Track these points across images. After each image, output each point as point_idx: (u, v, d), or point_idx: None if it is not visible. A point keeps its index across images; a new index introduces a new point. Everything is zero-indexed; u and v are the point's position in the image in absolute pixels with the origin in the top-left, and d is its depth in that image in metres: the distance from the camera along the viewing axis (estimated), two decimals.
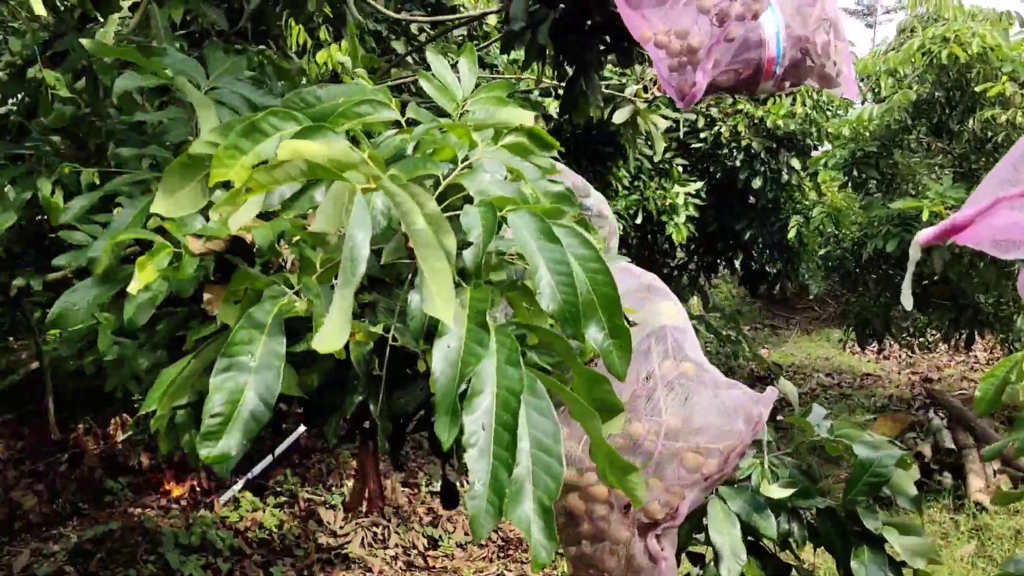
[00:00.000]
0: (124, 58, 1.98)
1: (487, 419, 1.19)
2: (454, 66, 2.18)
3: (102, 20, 2.43)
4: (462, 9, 4.90)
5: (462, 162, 1.45)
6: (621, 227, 7.61)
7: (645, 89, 4.86)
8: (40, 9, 2.12)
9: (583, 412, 1.29)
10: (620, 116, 4.52)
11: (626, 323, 1.31)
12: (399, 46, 5.97)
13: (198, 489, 6.39)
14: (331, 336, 0.97)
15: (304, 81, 3.68)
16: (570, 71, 3.11)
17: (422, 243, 1.08)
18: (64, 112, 2.77)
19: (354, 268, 1.01)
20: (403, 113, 1.76)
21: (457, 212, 1.28)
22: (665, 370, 1.56)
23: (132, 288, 1.63)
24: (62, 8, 2.58)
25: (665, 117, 5.06)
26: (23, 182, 2.76)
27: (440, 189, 1.39)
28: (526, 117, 1.63)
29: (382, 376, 1.71)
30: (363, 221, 1.05)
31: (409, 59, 5.58)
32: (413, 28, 6.16)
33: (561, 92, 3.68)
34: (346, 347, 1.77)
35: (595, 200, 5.01)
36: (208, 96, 2.23)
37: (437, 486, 6.27)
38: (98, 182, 2.29)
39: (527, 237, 1.26)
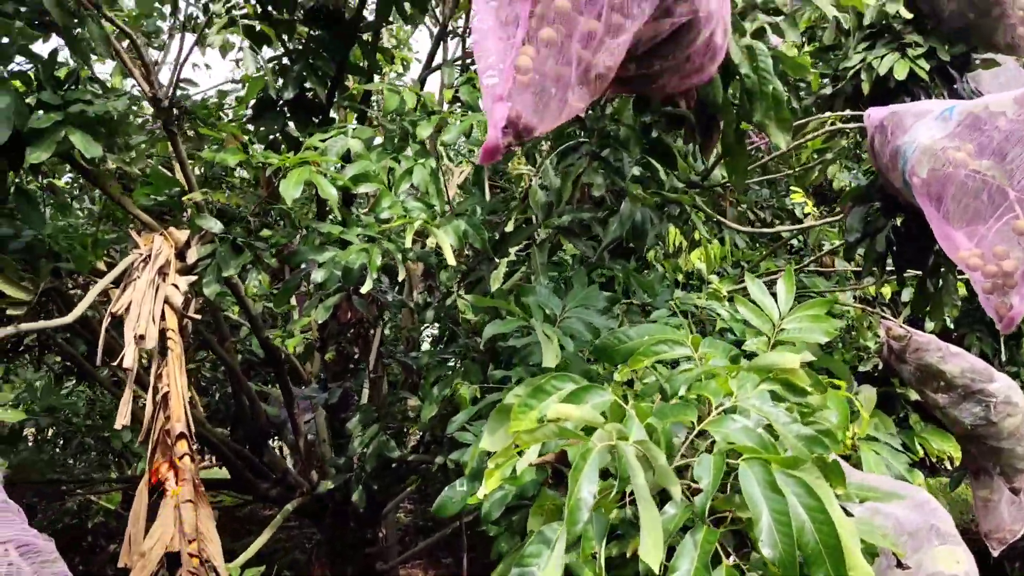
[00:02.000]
0: (491, 305, 2.61)
1: None
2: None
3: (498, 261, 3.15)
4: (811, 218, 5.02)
5: (717, 408, 1.69)
6: None
7: None
8: (452, 260, 2.88)
9: None
10: None
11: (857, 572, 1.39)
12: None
13: None
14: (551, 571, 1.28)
15: (666, 284, 4.13)
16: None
17: (640, 496, 1.35)
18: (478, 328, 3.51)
19: (575, 517, 1.32)
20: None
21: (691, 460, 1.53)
22: None
23: (480, 494, 2.11)
24: (469, 254, 3.40)
25: None
26: (444, 382, 3.54)
27: (692, 435, 1.64)
28: (792, 360, 1.81)
29: None
30: (591, 477, 1.37)
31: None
32: (798, 211, 6.38)
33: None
34: None
35: (1001, 385, 4.59)
36: (561, 325, 2.78)
37: None
38: (479, 396, 2.92)
39: (753, 487, 1.44)
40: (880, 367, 5.17)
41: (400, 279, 3.08)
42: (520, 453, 1.68)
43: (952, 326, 5.72)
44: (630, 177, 3.06)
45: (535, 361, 2.71)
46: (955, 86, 3.64)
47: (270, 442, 5.72)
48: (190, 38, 3.06)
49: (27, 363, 6.34)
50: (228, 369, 4.84)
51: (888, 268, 3.22)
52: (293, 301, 5.46)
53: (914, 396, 5.04)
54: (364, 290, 2.86)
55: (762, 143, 5.27)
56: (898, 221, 3.02)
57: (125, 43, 3.20)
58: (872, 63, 3.81)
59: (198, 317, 3.04)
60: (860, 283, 5.05)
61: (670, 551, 1.49)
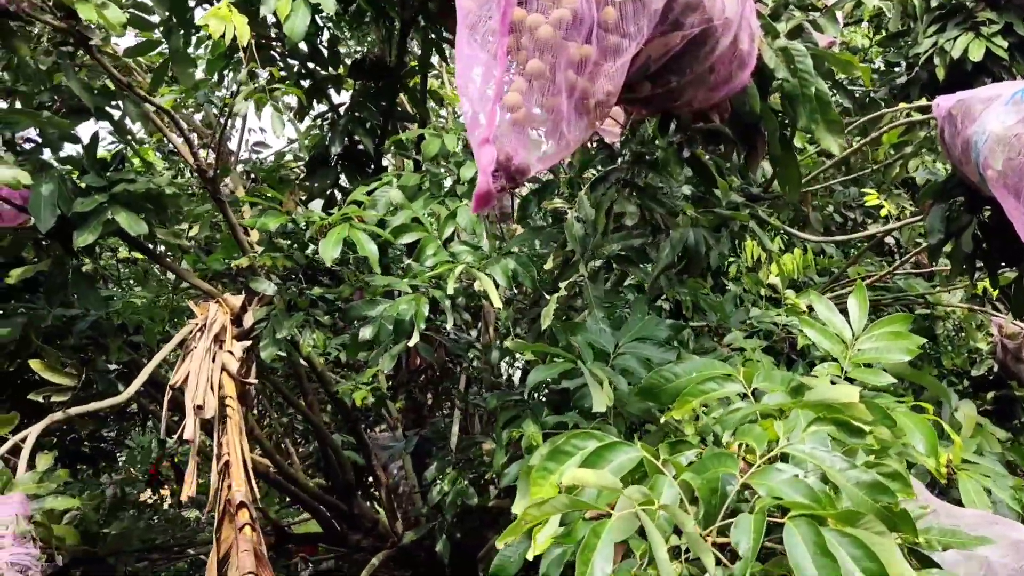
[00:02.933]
0: (537, 351, 2.49)
1: None
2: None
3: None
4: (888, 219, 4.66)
5: (762, 456, 1.51)
6: None
7: None
8: (497, 303, 2.79)
9: None
10: None
11: None
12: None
13: None
14: None
15: (740, 303, 3.89)
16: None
17: (663, 571, 1.20)
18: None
19: None
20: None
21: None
22: None
23: (530, 555, 1.98)
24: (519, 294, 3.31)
25: None
26: (514, 425, 3.43)
27: (736, 488, 1.47)
28: (849, 393, 1.60)
29: None
30: (606, 554, 1.23)
31: None
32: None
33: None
34: None
35: None
36: (615, 362, 2.63)
37: None
38: (539, 443, 2.79)
39: (799, 551, 1.26)
40: (995, 370, 4.73)
41: (451, 324, 3.00)
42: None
43: None
44: (682, 198, 2.90)
45: (590, 404, 2.57)
46: None
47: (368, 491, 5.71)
48: (240, 107, 3.10)
49: (137, 427, 6.62)
50: (311, 423, 4.88)
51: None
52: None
53: None
54: (411, 343, 2.80)
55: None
56: (985, 216, 2.73)
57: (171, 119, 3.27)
58: (944, 46, 3.52)
59: (255, 382, 3.03)
60: (962, 281, 4.64)
61: None
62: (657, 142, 2.50)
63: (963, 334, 4.83)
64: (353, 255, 3.58)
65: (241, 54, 3.25)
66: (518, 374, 5.81)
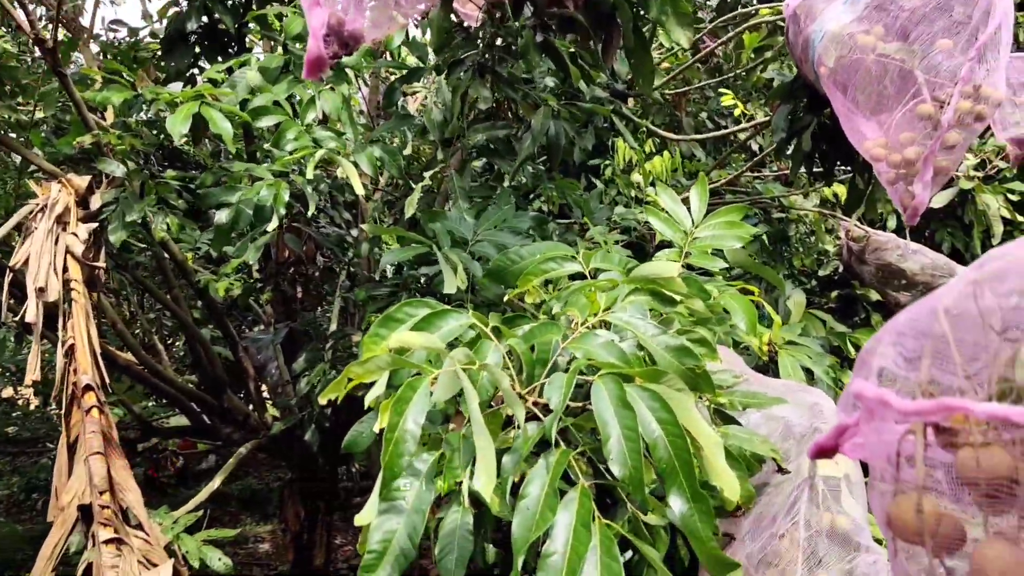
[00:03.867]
0: (391, 234, 2.51)
1: None
2: None
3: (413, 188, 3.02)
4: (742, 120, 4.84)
5: (583, 323, 1.60)
6: None
7: (983, 164, 4.23)
8: (359, 190, 2.77)
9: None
10: (940, 199, 4.01)
11: (707, 488, 1.32)
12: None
13: None
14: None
15: (608, 201, 4.02)
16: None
17: (474, 423, 1.28)
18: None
19: (399, 449, 1.25)
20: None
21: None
22: (815, 522, 1.48)
23: (375, 428, 2.04)
24: (389, 185, 3.29)
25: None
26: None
27: (557, 353, 1.56)
28: (669, 269, 1.71)
29: None
30: (421, 407, 1.29)
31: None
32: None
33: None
34: None
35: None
36: (473, 249, 2.68)
37: None
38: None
39: (604, 404, 1.36)
40: (840, 270, 5.09)
41: (312, 210, 2.95)
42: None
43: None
44: (543, 88, 2.91)
45: (442, 289, 2.62)
46: None
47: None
48: None
49: None
50: (177, 317, 4.77)
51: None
52: None
53: (875, 297, 4.97)
54: (270, 228, 2.75)
55: (712, 43, 5.06)
56: (826, 116, 2.88)
57: None
58: None
59: (103, 265, 2.93)
60: (817, 186, 4.91)
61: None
62: (521, 31, 2.49)
63: (813, 237, 5.14)
64: (223, 147, 3.43)
65: None
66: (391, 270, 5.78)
